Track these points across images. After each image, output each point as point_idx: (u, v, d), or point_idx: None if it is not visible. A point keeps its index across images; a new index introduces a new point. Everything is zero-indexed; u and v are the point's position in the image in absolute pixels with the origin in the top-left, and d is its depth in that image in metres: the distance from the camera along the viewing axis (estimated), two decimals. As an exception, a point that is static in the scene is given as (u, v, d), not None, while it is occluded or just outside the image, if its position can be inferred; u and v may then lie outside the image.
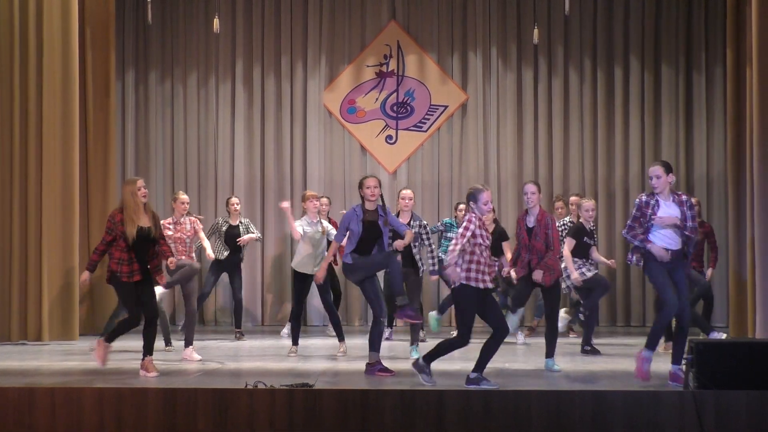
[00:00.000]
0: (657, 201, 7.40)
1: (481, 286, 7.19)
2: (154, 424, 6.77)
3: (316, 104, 13.55)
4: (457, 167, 13.48)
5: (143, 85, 13.60)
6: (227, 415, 6.76)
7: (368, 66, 13.59)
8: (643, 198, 7.45)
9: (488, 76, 13.46)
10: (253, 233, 11.39)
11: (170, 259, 8.16)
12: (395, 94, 13.57)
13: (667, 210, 7.38)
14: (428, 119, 13.53)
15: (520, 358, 9.31)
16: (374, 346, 8.11)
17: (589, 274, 9.60)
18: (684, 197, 7.49)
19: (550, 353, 8.26)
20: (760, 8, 10.25)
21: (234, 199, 11.53)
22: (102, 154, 11.99)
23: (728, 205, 12.11)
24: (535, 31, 12.39)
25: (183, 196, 9.94)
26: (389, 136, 13.55)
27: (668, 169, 7.44)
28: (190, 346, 9.11)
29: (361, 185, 8.27)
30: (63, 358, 9.29)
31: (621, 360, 9.02)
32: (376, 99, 13.58)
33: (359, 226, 8.12)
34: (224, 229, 11.30)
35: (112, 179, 12.15)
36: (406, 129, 13.55)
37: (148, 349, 7.97)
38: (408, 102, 13.56)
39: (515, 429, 6.65)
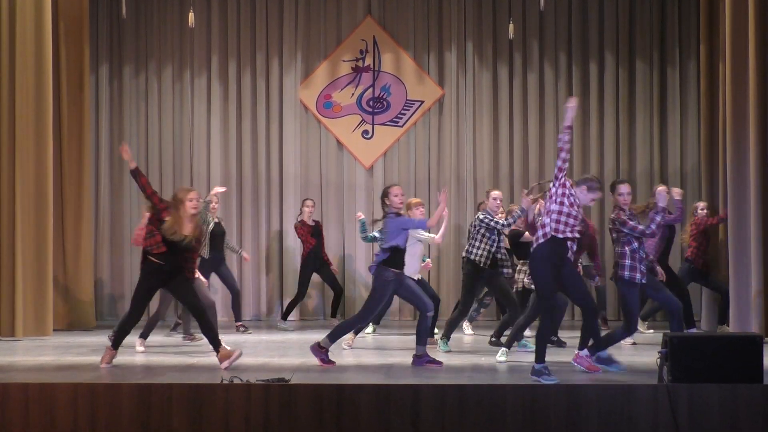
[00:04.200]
0: None
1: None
2: (129, 419, 6.76)
3: (291, 99, 13.52)
4: (435, 162, 13.50)
5: (117, 79, 13.51)
6: (202, 410, 6.75)
7: (344, 61, 13.58)
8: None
9: (464, 72, 13.47)
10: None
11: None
12: (371, 89, 13.55)
13: None
14: (404, 114, 13.53)
15: (496, 352, 9.33)
16: (421, 340, 8.21)
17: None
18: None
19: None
20: (733, 3, 10.32)
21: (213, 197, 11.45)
22: (76, 149, 11.91)
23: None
24: (510, 25, 12.42)
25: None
26: (365, 131, 13.55)
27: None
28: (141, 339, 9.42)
29: (386, 194, 8.31)
30: (37, 353, 9.23)
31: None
32: (352, 94, 13.56)
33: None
34: (211, 228, 11.14)
35: (87, 174, 12.07)
36: (383, 124, 13.55)
37: (214, 342, 8.05)
38: (384, 97, 13.55)
39: (490, 423, 6.68)
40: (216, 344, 8.05)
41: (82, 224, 11.92)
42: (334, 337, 8.30)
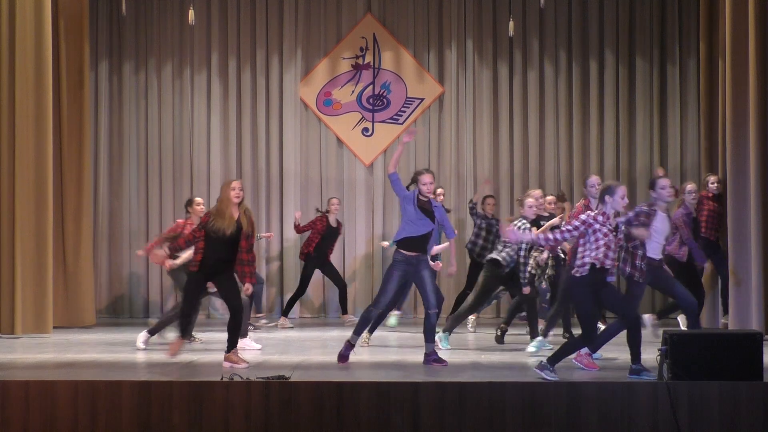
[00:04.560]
0: (656, 211, 7.96)
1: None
2: (129, 417, 6.75)
3: (292, 96, 13.51)
4: (435, 159, 13.50)
5: (117, 77, 13.49)
6: (203, 408, 6.74)
7: (344, 58, 13.57)
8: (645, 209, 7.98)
9: (464, 69, 13.47)
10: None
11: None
12: (371, 86, 13.55)
13: (661, 224, 7.98)
14: (404, 112, 13.53)
15: (496, 349, 9.34)
16: (428, 338, 8.10)
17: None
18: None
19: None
20: (733, 1, 10.32)
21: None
22: (76, 146, 11.90)
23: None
24: (510, 23, 12.41)
25: (197, 199, 10.14)
26: (365, 129, 13.54)
27: None
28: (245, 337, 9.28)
29: (415, 181, 8.18)
30: (37, 351, 9.23)
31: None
32: (352, 91, 13.56)
33: (415, 210, 8.04)
34: None
35: (87, 171, 12.04)
36: (383, 121, 13.55)
37: (231, 342, 7.98)
38: (384, 94, 13.55)
39: (490, 420, 6.68)
40: (232, 345, 7.99)
41: (82, 222, 11.91)
42: (358, 330, 8.29)
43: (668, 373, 6.85)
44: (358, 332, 8.29)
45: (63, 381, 6.93)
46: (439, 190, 11.41)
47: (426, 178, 8.11)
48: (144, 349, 9.16)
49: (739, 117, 10.21)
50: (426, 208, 8.13)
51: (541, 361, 7.23)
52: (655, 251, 8.03)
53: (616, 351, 8.44)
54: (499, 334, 9.75)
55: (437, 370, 7.81)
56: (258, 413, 6.72)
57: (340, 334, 10.91)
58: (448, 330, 9.45)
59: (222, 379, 6.91)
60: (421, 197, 8.13)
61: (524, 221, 9.31)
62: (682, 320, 10.93)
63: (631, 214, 7.91)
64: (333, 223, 12.09)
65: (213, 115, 13.47)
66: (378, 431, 6.67)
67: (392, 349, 9.36)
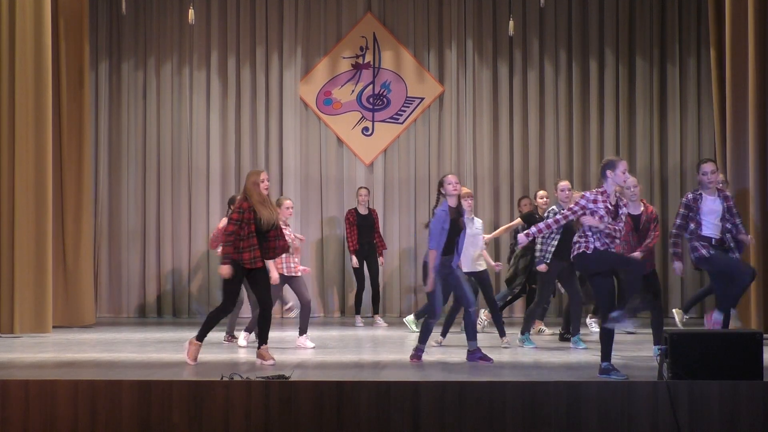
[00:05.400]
0: (702, 195, 8.13)
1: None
2: (129, 416, 6.76)
3: (291, 95, 13.51)
4: (435, 159, 13.50)
5: (116, 76, 13.49)
6: (202, 407, 6.75)
7: (344, 58, 13.57)
8: (690, 196, 8.17)
9: (464, 69, 13.47)
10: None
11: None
12: (371, 85, 13.55)
13: (711, 205, 8.12)
14: (404, 111, 13.53)
15: (495, 349, 9.34)
16: (471, 335, 8.28)
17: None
18: (726, 192, 8.34)
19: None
20: (733, 11, 10.32)
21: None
22: (76, 145, 11.89)
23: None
24: (510, 22, 12.40)
25: (287, 201, 9.73)
26: (365, 128, 13.54)
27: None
28: (304, 335, 9.48)
29: (441, 183, 8.43)
30: (36, 350, 9.23)
31: (596, 350, 9.05)
32: (353, 91, 13.56)
33: (448, 225, 8.28)
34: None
35: (87, 171, 12.03)
36: (383, 121, 13.55)
37: (263, 338, 8.18)
38: (384, 94, 13.55)
39: (490, 420, 6.68)
40: (263, 340, 8.18)
41: (82, 220, 11.91)
42: (423, 339, 8.38)
43: (668, 373, 6.85)
44: (423, 341, 8.38)
45: (63, 380, 6.93)
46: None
47: (451, 178, 8.44)
48: (246, 347, 9.40)
49: (738, 119, 10.21)
50: (456, 215, 8.38)
51: (601, 365, 7.22)
52: (710, 230, 8.19)
53: (614, 350, 8.42)
54: (566, 336, 9.87)
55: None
56: (258, 413, 6.72)
57: (340, 334, 10.94)
58: (526, 330, 9.52)
59: (222, 378, 6.91)
60: (450, 208, 8.35)
61: (554, 208, 9.48)
62: (678, 314, 10.95)
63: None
64: (363, 212, 12.32)
65: (212, 114, 13.47)
66: (378, 431, 6.68)
67: (392, 349, 9.36)
